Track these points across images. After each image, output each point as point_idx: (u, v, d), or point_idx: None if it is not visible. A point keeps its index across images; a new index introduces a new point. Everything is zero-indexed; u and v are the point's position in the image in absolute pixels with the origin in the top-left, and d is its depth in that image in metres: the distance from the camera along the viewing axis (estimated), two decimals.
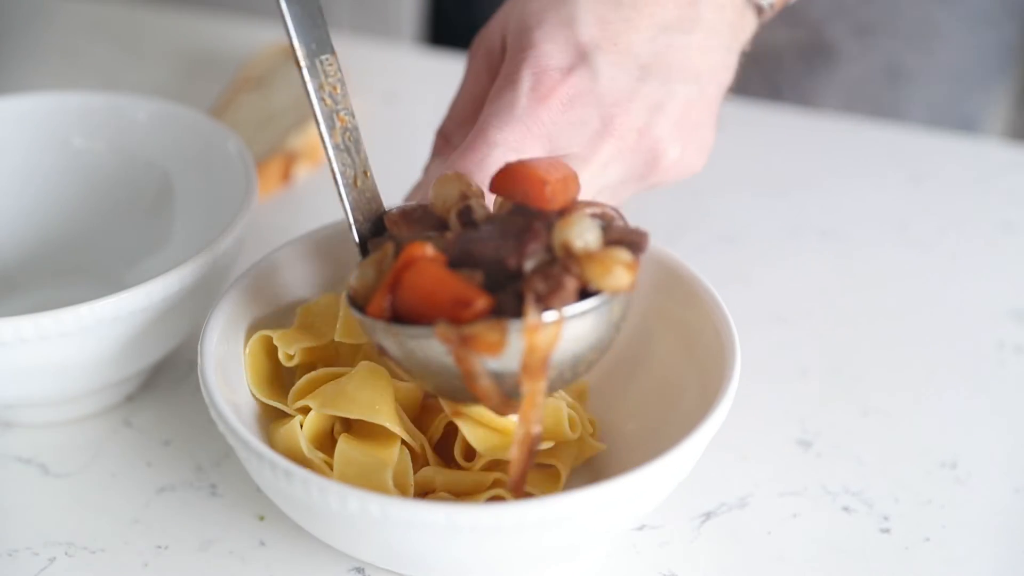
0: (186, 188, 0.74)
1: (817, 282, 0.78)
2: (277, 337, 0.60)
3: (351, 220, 0.58)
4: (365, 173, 0.59)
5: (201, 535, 0.60)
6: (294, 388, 0.59)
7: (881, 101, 1.02)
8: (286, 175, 0.85)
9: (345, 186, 0.57)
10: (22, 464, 0.65)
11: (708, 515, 0.62)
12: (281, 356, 0.60)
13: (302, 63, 0.56)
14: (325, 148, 0.57)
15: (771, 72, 0.99)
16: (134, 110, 0.75)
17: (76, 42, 1.03)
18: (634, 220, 0.81)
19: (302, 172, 0.87)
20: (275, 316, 0.63)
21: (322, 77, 0.57)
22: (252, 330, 0.61)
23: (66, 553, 0.60)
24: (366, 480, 0.56)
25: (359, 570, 0.59)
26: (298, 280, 0.64)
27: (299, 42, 0.56)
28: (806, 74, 1.02)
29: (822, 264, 0.79)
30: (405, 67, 0.99)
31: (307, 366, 0.61)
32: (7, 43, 1.03)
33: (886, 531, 0.61)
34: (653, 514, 0.61)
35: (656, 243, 0.63)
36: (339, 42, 1.02)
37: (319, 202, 0.84)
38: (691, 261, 0.78)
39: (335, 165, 0.57)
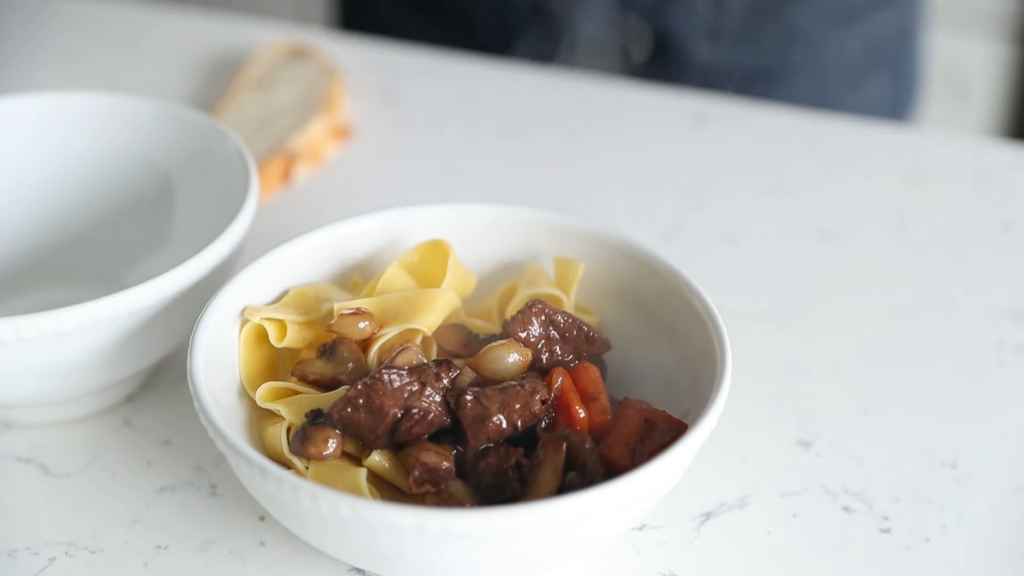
0: (186, 188, 0.74)
1: (817, 282, 0.78)
2: (261, 312, 0.60)
3: None
4: None
5: (201, 535, 0.60)
6: (263, 388, 0.59)
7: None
8: (286, 175, 0.85)
9: None
10: (22, 464, 0.65)
11: (708, 515, 0.62)
12: (272, 337, 0.60)
13: None
14: None
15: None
16: (134, 110, 0.75)
17: (76, 42, 1.03)
18: (634, 220, 0.82)
19: (302, 172, 0.86)
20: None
21: None
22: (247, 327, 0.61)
23: (66, 553, 0.60)
24: (338, 478, 0.55)
25: (358, 570, 0.59)
26: (296, 280, 0.64)
27: None
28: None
29: (822, 264, 0.79)
30: (405, 67, 0.99)
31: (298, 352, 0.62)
32: (7, 43, 1.03)
33: (886, 531, 0.61)
34: (653, 514, 0.61)
35: (650, 246, 0.63)
36: (338, 42, 1.02)
37: (319, 202, 0.84)
38: (691, 261, 0.78)
39: None
